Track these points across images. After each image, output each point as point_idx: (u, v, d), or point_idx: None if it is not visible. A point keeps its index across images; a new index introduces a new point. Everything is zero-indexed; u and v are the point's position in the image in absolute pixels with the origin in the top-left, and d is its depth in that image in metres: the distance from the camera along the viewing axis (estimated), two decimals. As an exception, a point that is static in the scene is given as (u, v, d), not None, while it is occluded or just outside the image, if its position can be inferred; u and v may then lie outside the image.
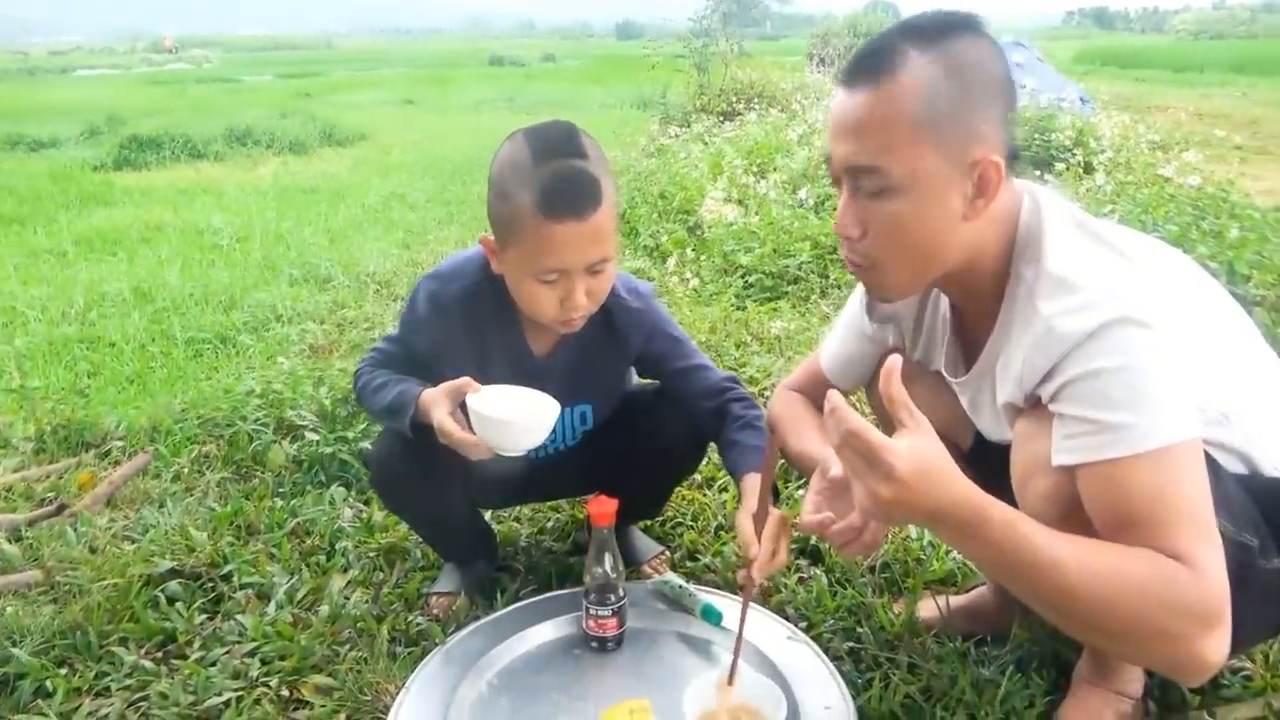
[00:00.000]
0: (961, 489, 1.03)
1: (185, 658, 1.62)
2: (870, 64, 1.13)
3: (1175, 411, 1.05)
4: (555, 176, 1.35)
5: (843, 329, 1.55)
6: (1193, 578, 1.00)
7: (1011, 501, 1.16)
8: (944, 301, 1.38)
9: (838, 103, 1.17)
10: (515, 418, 1.42)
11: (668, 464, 1.76)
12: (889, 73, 1.11)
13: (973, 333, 1.31)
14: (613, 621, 1.53)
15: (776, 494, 1.46)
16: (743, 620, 1.34)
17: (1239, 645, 1.23)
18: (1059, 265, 1.13)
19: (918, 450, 1.01)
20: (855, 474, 1.04)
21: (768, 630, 1.54)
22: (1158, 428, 1.04)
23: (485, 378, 1.50)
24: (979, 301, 1.26)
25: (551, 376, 1.59)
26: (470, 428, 1.42)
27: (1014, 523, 1.04)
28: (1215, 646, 1.02)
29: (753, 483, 1.45)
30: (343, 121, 11.16)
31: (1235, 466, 1.21)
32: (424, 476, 1.58)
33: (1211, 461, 1.14)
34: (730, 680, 1.32)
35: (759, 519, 1.35)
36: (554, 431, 1.49)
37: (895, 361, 1.04)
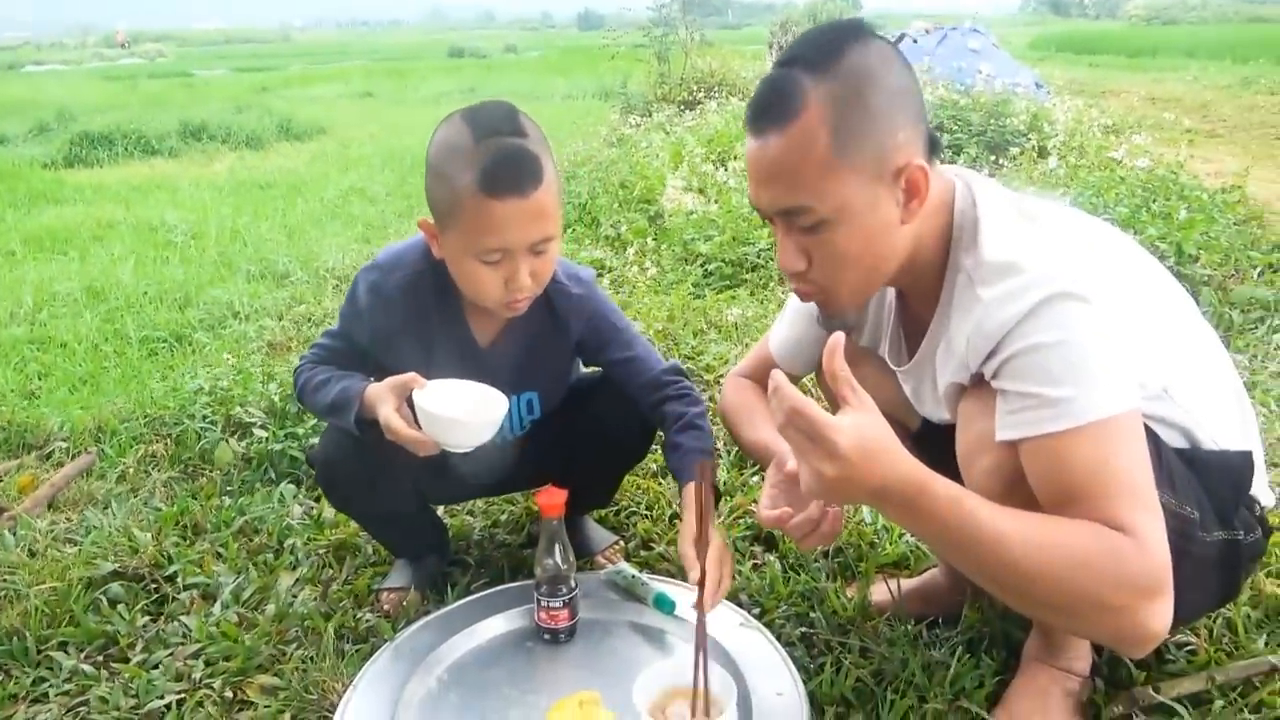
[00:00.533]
0: (905, 465, 1.03)
1: (127, 661, 1.58)
2: (772, 107, 1.13)
3: (1114, 384, 1.06)
4: (496, 154, 1.32)
5: (791, 313, 1.55)
6: (1135, 548, 1.01)
7: (959, 482, 1.16)
8: (890, 292, 1.39)
9: (751, 151, 1.17)
10: (463, 415, 1.40)
11: (616, 451, 1.75)
12: (792, 112, 1.11)
13: (916, 321, 1.32)
14: (564, 613, 1.51)
15: (718, 496, 1.43)
16: (700, 648, 1.27)
17: (1183, 618, 1.25)
18: (996, 251, 1.14)
19: (861, 427, 1.01)
20: (799, 453, 1.04)
21: (721, 618, 1.53)
22: (1097, 400, 1.04)
23: (429, 368, 1.47)
24: (922, 290, 1.26)
25: (496, 365, 1.58)
26: (417, 424, 1.39)
27: (958, 498, 1.04)
28: (1158, 616, 1.03)
29: (693, 495, 1.42)
30: (300, 115, 10.98)
31: (1176, 440, 1.22)
32: (371, 474, 1.55)
33: (1152, 435, 1.16)
34: (706, 711, 1.26)
35: (699, 546, 1.32)
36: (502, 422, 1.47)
37: (838, 339, 1.04)
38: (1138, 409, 1.08)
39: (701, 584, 1.30)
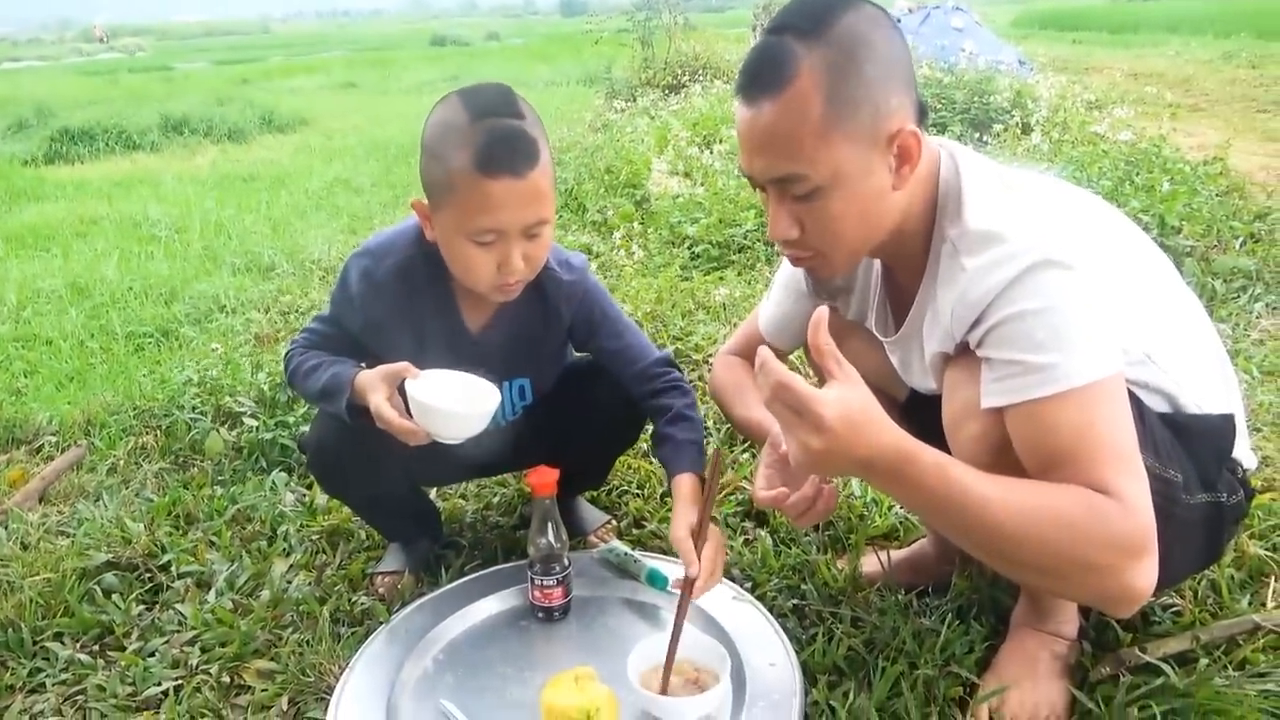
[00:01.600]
0: (890, 436, 1.04)
1: (123, 649, 1.59)
2: (765, 75, 1.12)
3: (1098, 350, 1.07)
4: (492, 134, 1.31)
5: (779, 289, 1.56)
6: (1120, 510, 1.02)
7: (946, 452, 1.17)
8: (876, 264, 1.39)
9: (742, 118, 1.16)
10: (455, 406, 1.40)
11: (608, 435, 1.75)
12: (785, 79, 1.10)
13: (903, 292, 1.32)
14: (558, 591, 1.53)
15: (704, 484, 1.45)
16: (677, 630, 1.33)
17: (1167, 580, 1.26)
18: (980, 220, 1.14)
19: (846, 399, 1.02)
20: (786, 426, 1.05)
21: (714, 591, 1.54)
22: (1081, 366, 1.06)
23: (421, 354, 1.47)
24: (907, 261, 1.27)
25: (488, 351, 1.58)
26: (409, 412, 1.39)
27: (944, 466, 1.05)
28: (1144, 576, 1.04)
29: (685, 487, 1.44)
30: (282, 107, 10.90)
31: (1159, 405, 1.23)
32: (363, 459, 1.55)
33: (1136, 400, 1.17)
34: (662, 689, 1.31)
35: (698, 536, 1.34)
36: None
37: (822, 312, 1.04)
38: (1121, 374, 1.09)
39: (689, 583, 1.32)
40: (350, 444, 1.54)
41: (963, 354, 1.19)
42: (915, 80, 1.19)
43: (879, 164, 1.14)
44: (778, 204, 1.19)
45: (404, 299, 1.52)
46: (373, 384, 1.41)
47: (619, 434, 1.77)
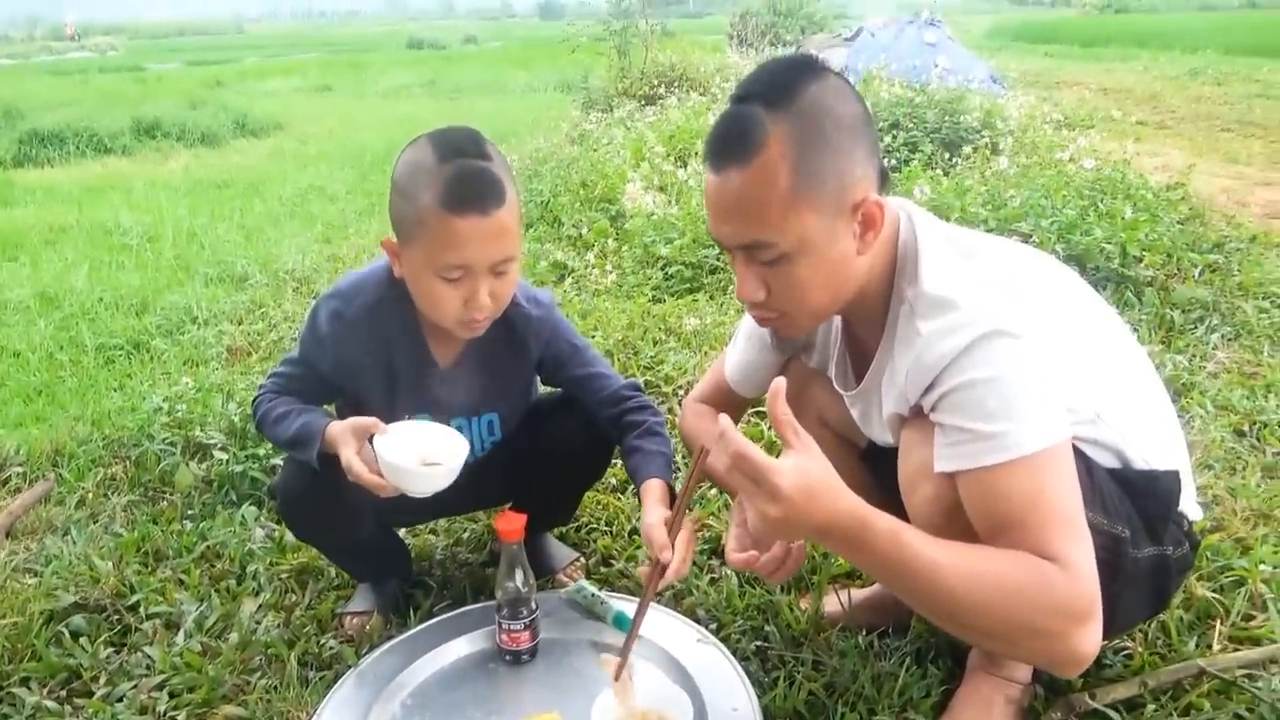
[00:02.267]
0: (846, 503, 1.08)
1: (90, 695, 1.59)
2: (733, 144, 1.15)
3: (1046, 418, 1.11)
4: (459, 172, 1.36)
5: (743, 339, 1.59)
6: (1065, 577, 1.06)
7: (901, 507, 1.21)
8: (836, 319, 1.43)
9: (712, 186, 1.19)
10: (423, 467, 1.42)
11: (576, 468, 1.77)
12: (753, 149, 1.13)
13: (863, 346, 1.36)
14: (525, 635, 1.55)
15: (673, 495, 1.49)
16: (639, 619, 1.39)
17: (1117, 630, 1.31)
18: (935, 285, 1.18)
19: (802, 469, 1.05)
20: (745, 495, 1.08)
21: (678, 634, 1.58)
22: (1029, 434, 1.09)
23: (392, 392, 1.52)
24: (868, 318, 1.31)
25: (457, 387, 1.61)
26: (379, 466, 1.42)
27: (897, 532, 1.09)
28: (1088, 639, 1.08)
29: (655, 489, 1.49)
30: (256, 111, 10.83)
31: (1108, 461, 1.27)
32: (332, 505, 1.57)
33: (1085, 457, 1.21)
34: (616, 676, 1.37)
35: (671, 525, 1.38)
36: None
37: (779, 384, 1.08)
38: (1068, 441, 1.13)
39: (658, 570, 1.36)
40: (319, 491, 1.55)
41: (917, 415, 1.23)
42: (879, 147, 1.23)
43: (844, 231, 1.18)
44: (745, 267, 1.22)
45: (374, 337, 1.54)
46: (343, 438, 1.43)
47: (587, 465, 1.79)
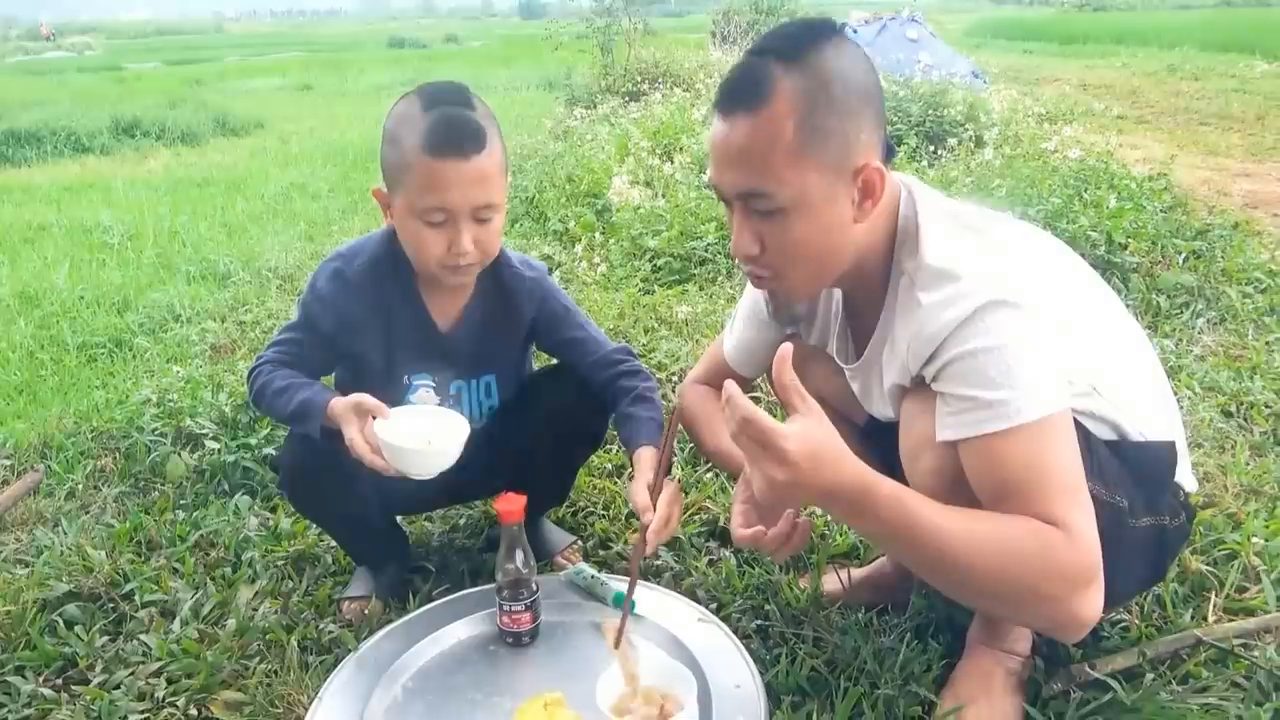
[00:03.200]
0: (850, 468, 1.08)
1: (87, 682, 1.57)
2: (744, 92, 1.16)
3: (1046, 386, 1.12)
4: (440, 119, 1.40)
5: (742, 319, 1.59)
6: (1066, 541, 1.07)
7: (903, 478, 1.21)
8: (837, 293, 1.43)
9: (717, 131, 1.20)
10: (424, 447, 1.43)
11: (572, 437, 1.77)
12: (763, 99, 1.14)
13: (862, 321, 1.36)
14: (526, 616, 1.54)
15: (668, 468, 1.51)
16: (632, 583, 1.43)
17: (1116, 600, 1.32)
18: (935, 256, 1.19)
19: (808, 433, 1.06)
20: (751, 459, 1.08)
21: (679, 613, 1.58)
22: (1031, 402, 1.10)
23: (390, 353, 1.57)
24: (867, 292, 1.31)
25: (455, 347, 1.65)
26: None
27: (900, 498, 1.09)
28: (1089, 604, 1.09)
29: (646, 455, 1.51)
30: (237, 110, 10.75)
31: (1105, 434, 1.29)
32: (335, 480, 1.58)
33: (1083, 430, 1.22)
34: (615, 643, 1.39)
35: (655, 489, 1.41)
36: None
37: (786, 349, 1.08)
38: (1068, 409, 1.14)
39: (644, 532, 1.39)
40: (323, 465, 1.56)
41: (919, 387, 1.23)
42: (885, 119, 1.23)
43: (843, 195, 1.18)
44: (742, 219, 1.22)
45: (374, 297, 1.58)
46: (346, 415, 1.43)
47: (583, 434, 1.79)
